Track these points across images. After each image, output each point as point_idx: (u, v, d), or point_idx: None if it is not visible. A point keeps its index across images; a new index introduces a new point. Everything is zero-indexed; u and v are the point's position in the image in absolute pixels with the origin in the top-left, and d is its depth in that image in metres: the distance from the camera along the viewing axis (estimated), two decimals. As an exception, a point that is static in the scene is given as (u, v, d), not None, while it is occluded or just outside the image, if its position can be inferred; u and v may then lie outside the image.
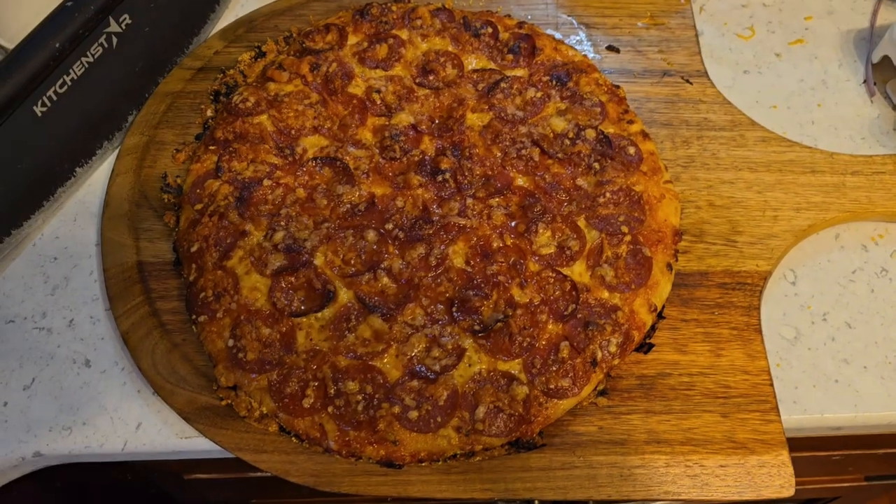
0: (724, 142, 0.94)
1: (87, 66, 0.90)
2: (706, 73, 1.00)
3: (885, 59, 1.01)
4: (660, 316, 0.82)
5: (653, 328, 0.81)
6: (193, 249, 0.82)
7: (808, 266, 0.89)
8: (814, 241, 0.91)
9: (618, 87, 0.96)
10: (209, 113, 0.95)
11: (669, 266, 0.82)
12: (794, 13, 1.11)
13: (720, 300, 0.83)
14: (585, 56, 0.99)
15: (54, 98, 0.88)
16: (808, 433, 0.82)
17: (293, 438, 0.75)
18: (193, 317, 0.79)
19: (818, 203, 0.89)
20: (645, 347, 0.79)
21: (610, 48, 1.02)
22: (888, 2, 1.11)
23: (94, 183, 0.94)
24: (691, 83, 0.99)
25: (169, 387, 0.78)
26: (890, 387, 0.81)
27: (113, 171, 0.92)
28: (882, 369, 0.82)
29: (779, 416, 0.76)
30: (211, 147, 0.90)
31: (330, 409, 0.73)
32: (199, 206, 0.85)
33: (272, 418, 0.75)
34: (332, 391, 0.74)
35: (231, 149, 0.89)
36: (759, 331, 0.81)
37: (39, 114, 0.87)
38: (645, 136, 0.91)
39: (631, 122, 0.92)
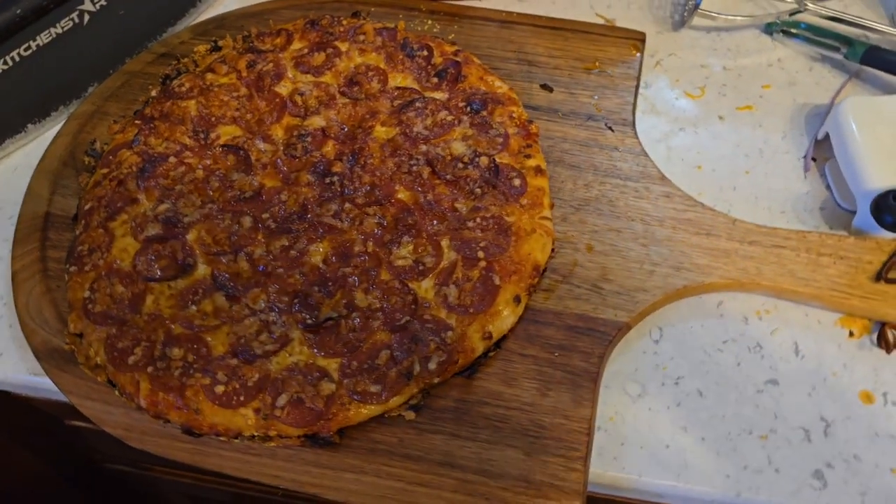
0: (626, 191, 0.93)
1: (54, 36, 1.01)
2: (633, 123, 1.00)
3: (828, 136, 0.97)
4: (497, 346, 0.81)
5: (485, 356, 0.81)
6: (86, 207, 0.90)
7: (678, 328, 0.86)
8: (694, 303, 0.88)
9: (531, 122, 0.97)
10: (153, 93, 1.03)
11: (517, 299, 0.82)
12: (753, 80, 1.08)
13: (565, 342, 0.82)
14: (511, 89, 1.00)
15: (17, 59, 0.98)
16: (625, 495, 0.79)
17: (116, 392, 0.79)
18: (67, 266, 0.86)
19: (701, 265, 0.87)
20: (467, 371, 0.79)
21: (544, 86, 1.03)
22: (857, 80, 1.06)
23: (43, 140, 1.04)
24: (613, 130, 0.99)
25: (32, 325, 0.85)
26: (722, 464, 0.77)
27: (58, 132, 1.02)
28: (720, 444, 0.78)
29: (584, 466, 0.74)
30: (137, 122, 0.97)
31: (150, 368, 0.78)
32: (105, 171, 0.93)
33: (103, 369, 0.80)
34: (157, 353, 0.79)
35: (152, 125, 0.96)
36: (595, 379, 0.79)
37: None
38: (539, 171, 0.92)
39: (529, 156, 0.93)
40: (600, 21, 1.15)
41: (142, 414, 0.78)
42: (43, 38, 1.00)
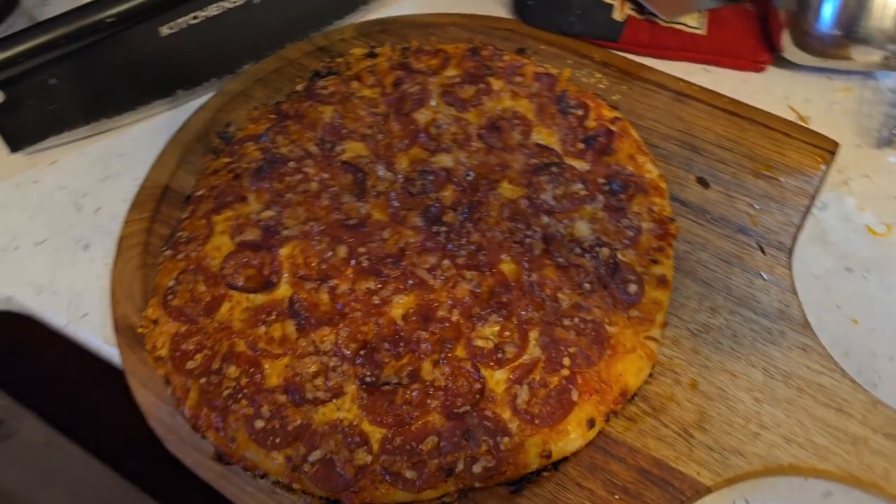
0: (757, 329, 0.81)
1: (223, 10, 1.01)
2: (790, 250, 0.86)
3: None
4: (555, 467, 0.73)
5: (538, 474, 0.73)
6: (199, 193, 0.90)
7: (770, 506, 0.74)
8: (796, 485, 0.75)
9: (673, 220, 0.86)
10: (298, 87, 1.02)
11: (591, 422, 0.73)
12: (957, 229, 0.90)
13: (630, 486, 0.72)
14: (661, 177, 0.90)
15: (183, 26, 1.00)
16: None
17: (169, 390, 0.79)
18: (163, 248, 0.87)
19: (818, 446, 0.74)
20: (514, 486, 0.72)
21: (700, 180, 0.92)
22: None
23: (188, 109, 1.05)
24: (764, 252, 0.86)
25: (119, 295, 0.86)
26: None
27: (202, 104, 1.02)
28: None
29: None
30: (272, 116, 0.96)
31: (203, 380, 0.77)
32: (227, 160, 0.92)
33: (164, 363, 0.80)
34: (215, 366, 0.77)
35: (284, 124, 0.94)
36: (652, 541, 0.70)
37: (163, 34, 0.99)
38: (663, 282, 0.81)
39: (656, 261, 0.83)
40: (791, 116, 1.00)
41: (185, 421, 0.77)
42: (211, 11, 1.01)
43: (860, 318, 0.85)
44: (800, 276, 0.85)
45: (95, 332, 0.87)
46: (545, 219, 0.85)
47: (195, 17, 1.00)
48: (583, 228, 0.84)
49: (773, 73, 1.06)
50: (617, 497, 0.72)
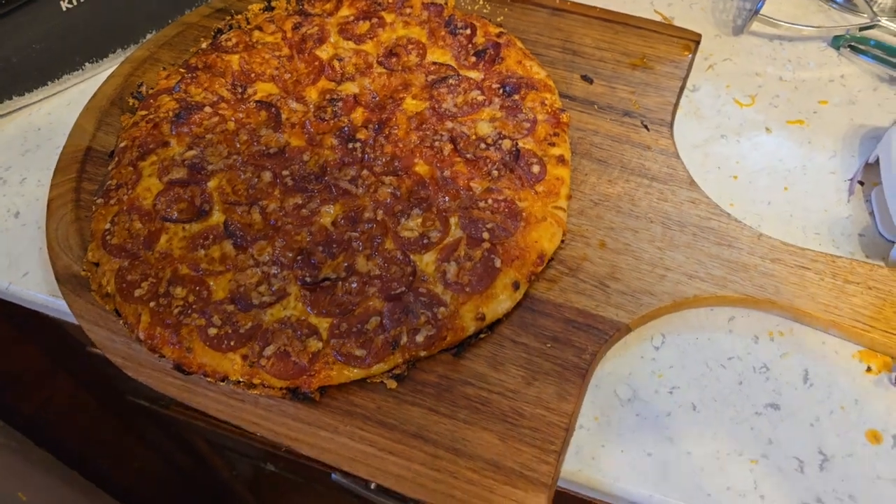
0: (651, 192, 0.90)
1: (119, -19, 1.05)
2: (671, 124, 0.97)
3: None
4: (490, 329, 0.81)
5: (476, 336, 0.80)
6: (122, 145, 0.94)
7: (682, 337, 0.83)
8: (704, 315, 0.85)
9: (563, 111, 0.95)
10: (203, 45, 1.06)
11: (516, 284, 0.81)
12: (810, 94, 1.03)
13: (560, 334, 0.80)
14: (548, 76, 0.99)
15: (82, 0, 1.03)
16: (598, 497, 0.77)
17: (121, 321, 0.83)
18: (96, 198, 0.90)
19: (716, 277, 0.84)
20: (454, 350, 0.79)
21: (584, 77, 1.01)
22: (924, 106, 1.00)
23: (97, 80, 1.09)
24: (648, 129, 0.96)
25: (57, 250, 0.89)
26: (705, 481, 0.75)
27: (112, 73, 1.06)
28: (706, 461, 0.76)
29: (557, 460, 0.73)
30: (182, 70, 1.01)
31: (152, 303, 0.81)
32: (143, 112, 0.96)
33: (111, 298, 0.83)
34: (161, 290, 0.81)
35: (194, 75, 0.99)
36: (583, 376, 0.78)
37: (64, 8, 1.02)
38: (561, 161, 0.90)
39: (553, 144, 0.91)
40: (657, 18, 1.12)
41: (141, 346, 0.81)
42: (109, -19, 1.04)
43: (738, 174, 0.96)
44: (683, 147, 0.96)
45: (38, 288, 0.89)
46: (450, 124, 0.93)
47: (93, -10, 1.03)
48: (485, 128, 0.92)
49: (637, -14, 1.17)
50: (549, 346, 0.80)
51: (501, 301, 0.80)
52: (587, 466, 0.76)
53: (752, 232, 0.87)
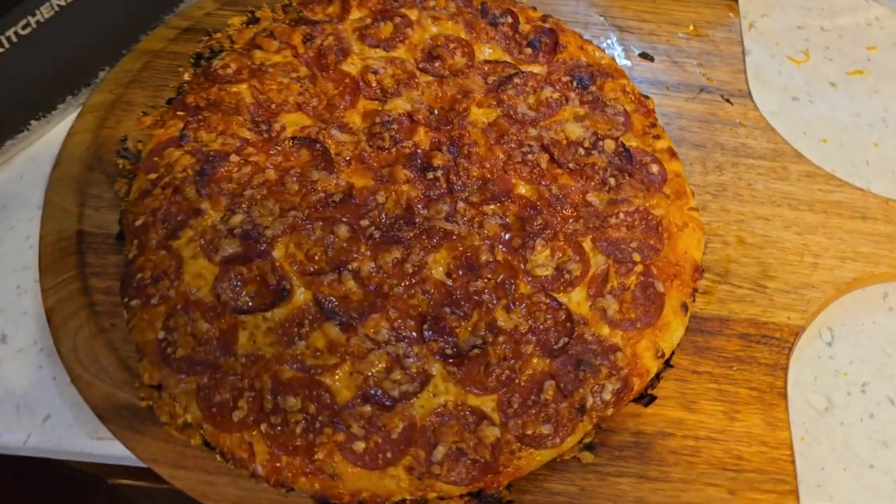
0: (763, 172, 0.82)
1: (57, 9, 0.81)
2: (750, 94, 0.89)
3: (957, 101, 0.89)
4: (667, 364, 0.69)
5: (657, 377, 0.68)
6: (138, 223, 0.72)
7: (848, 326, 0.76)
8: (857, 297, 0.78)
9: (647, 97, 0.84)
10: (186, 76, 0.85)
11: (685, 307, 0.70)
12: (855, 41, 0.98)
13: (741, 353, 0.70)
14: (614, 60, 0.87)
15: (14, 40, 0.79)
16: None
17: (217, 456, 0.63)
18: (126, 300, 0.68)
19: (866, 254, 0.77)
20: (646, 399, 0.67)
21: (643, 55, 0.91)
22: (964, 40, 0.98)
23: (50, 140, 0.84)
24: (731, 103, 0.87)
25: (87, 377, 0.67)
26: (935, 480, 0.68)
27: (71, 128, 0.82)
28: (927, 458, 0.69)
29: (798, 501, 0.63)
30: (179, 113, 0.79)
31: (263, 426, 0.62)
32: (153, 176, 0.74)
33: (196, 429, 0.63)
34: (268, 406, 0.62)
35: (200, 117, 0.78)
36: (785, 395, 0.68)
37: (-7, 56, 0.77)
38: (672, 154, 0.79)
39: (657, 137, 0.80)
40: (682, -20, 1.03)
41: (255, 483, 0.62)
42: (43, 13, 0.80)
43: (826, 136, 0.89)
44: (764, 116, 0.88)
45: (73, 432, 0.67)
46: (533, 131, 0.79)
47: (26, 27, 0.79)
48: (575, 129, 0.80)
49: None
50: (735, 369, 0.70)
51: (675, 329, 0.69)
52: (817, 496, 0.67)
53: (878, 198, 0.81)
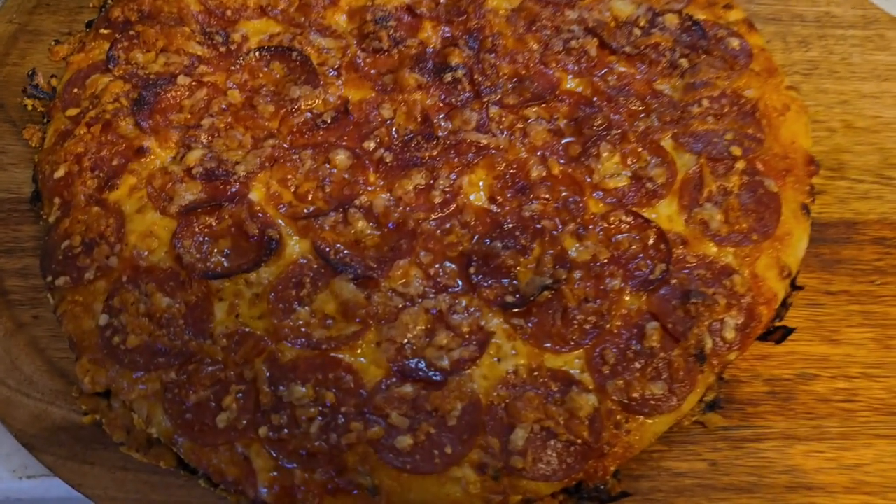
0: (857, 43, 0.66)
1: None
2: (820, -47, 0.72)
3: None
4: (794, 286, 0.52)
5: (784, 304, 0.51)
6: (59, 175, 0.53)
7: None
8: None
9: (701, -37, 0.67)
10: (107, -9, 0.65)
11: (805, 208, 0.53)
12: None
13: (879, 263, 0.55)
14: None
15: None
16: None
17: (200, 481, 0.44)
18: (49, 279, 0.49)
19: None
20: (777, 333, 0.50)
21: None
22: None
23: (-65, 90, 0.64)
24: (804, -34, 0.70)
25: (6, 393, 0.48)
26: None
27: (-39, 70, 0.62)
28: None
29: None
30: (104, 31, 0.60)
31: (263, 430, 0.43)
32: (74, 112, 0.56)
33: (167, 446, 0.44)
34: (267, 401, 0.44)
35: (132, 33, 0.59)
36: (949, 311, 0.52)
37: None
38: (750, 26, 0.63)
39: (728, 6, 0.63)
40: None
41: (264, 510, 0.44)
42: None
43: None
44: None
45: (-7, 470, 0.48)
46: (571, 13, 0.62)
47: None
48: (623, 6, 0.62)
49: None
50: (876, 282, 0.53)
51: (798, 239, 0.53)
52: None
53: None
